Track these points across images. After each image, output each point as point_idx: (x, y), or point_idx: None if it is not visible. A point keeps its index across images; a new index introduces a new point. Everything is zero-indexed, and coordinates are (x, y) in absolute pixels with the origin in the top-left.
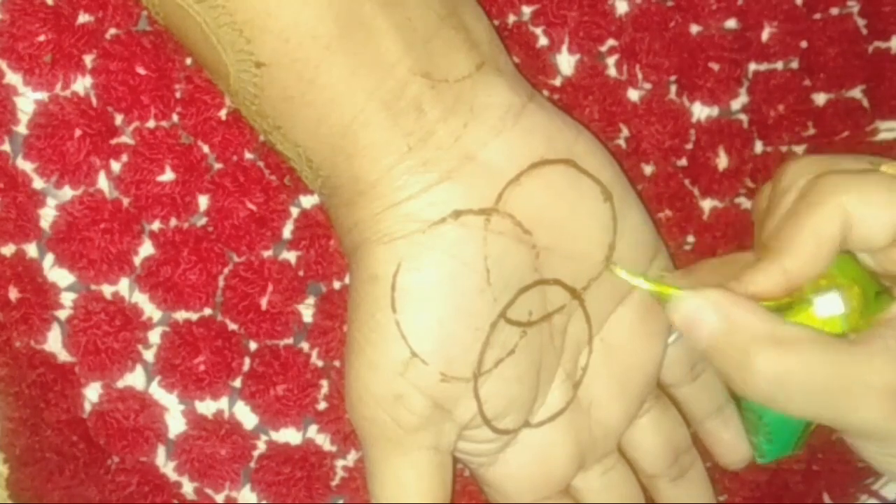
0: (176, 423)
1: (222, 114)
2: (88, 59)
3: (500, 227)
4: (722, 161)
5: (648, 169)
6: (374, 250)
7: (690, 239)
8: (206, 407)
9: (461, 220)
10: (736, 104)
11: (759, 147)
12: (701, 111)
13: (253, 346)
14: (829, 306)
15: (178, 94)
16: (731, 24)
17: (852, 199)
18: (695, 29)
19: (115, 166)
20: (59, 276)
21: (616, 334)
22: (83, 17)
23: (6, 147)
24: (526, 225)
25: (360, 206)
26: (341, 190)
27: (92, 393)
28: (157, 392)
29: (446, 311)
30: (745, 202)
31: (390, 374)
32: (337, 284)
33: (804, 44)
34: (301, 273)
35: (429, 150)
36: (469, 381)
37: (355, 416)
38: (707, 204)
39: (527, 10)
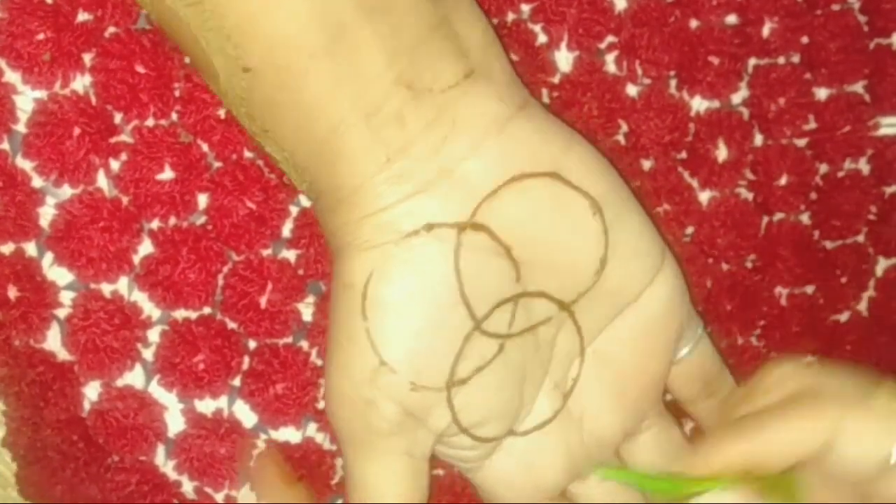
0: (175, 422)
1: (221, 112)
2: (87, 58)
3: (475, 241)
4: (721, 152)
5: (647, 164)
6: (351, 257)
7: (689, 230)
8: (206, 406)
9: (434, 233)
10: (736, 98)
11: (759, 139)
12: (700, 104)
13: (252, 344)
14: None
15: (177, 93)
16: (732, 19)
17: (843, 429)
18: (694, 24)
19: (115, 165)
20: (58, 274)
21: (612, 346)
22: (82, 16)
23: (5, 145)
24: (504, 238)
25: (340, 213)
26: (325, 196)
27: (91, 392)
28: (157, 391)
29: (416, 322)
30: (744, 192)
31: (361, 381)
32: None
33: (805, 39)
34: (300, 272)
35: (408, 162)
36: (441, 391)
37: (332, 416)
38: (706, 195)
39: (525, 8)
